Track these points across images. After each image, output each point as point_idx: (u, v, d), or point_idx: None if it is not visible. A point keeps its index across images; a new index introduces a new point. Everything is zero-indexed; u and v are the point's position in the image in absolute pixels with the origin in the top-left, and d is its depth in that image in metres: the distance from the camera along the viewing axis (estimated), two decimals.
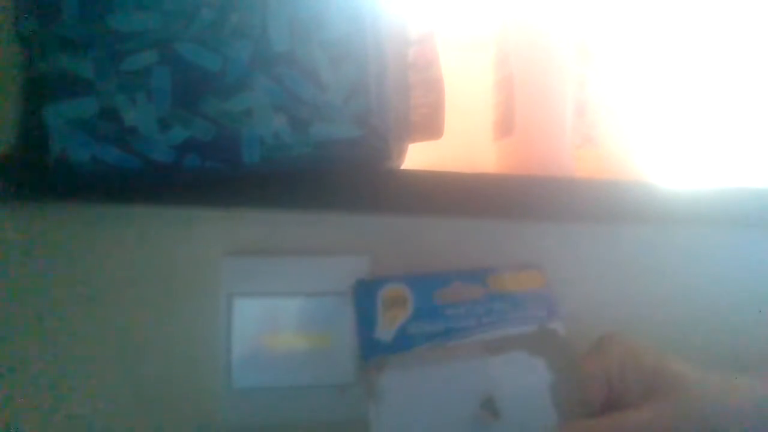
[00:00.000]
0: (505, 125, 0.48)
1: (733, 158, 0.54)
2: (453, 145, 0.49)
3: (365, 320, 0.37)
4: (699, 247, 0.48)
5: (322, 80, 0.37)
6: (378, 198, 0.41)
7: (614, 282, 0.47)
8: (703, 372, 0.34)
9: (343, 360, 0.42)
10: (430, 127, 0.45)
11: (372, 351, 0.37)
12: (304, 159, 0.37)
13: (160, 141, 0.36)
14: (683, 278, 0.48)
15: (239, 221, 0.43)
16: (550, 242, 0.46)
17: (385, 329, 0.37)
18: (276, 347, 0.42)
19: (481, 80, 0.51)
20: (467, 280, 0.40)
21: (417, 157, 0.47)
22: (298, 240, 0.43)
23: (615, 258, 0.47)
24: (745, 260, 0.48)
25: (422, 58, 0.46)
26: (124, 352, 0.42)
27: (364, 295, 0.38)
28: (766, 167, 0.55)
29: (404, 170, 0.42)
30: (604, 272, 0.47)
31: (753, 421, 0.32)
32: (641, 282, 0.47)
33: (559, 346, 0.38)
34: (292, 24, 0.36)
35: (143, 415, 0.42)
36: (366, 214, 0.44)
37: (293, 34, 0.36)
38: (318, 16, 0.37)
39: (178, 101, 0.35)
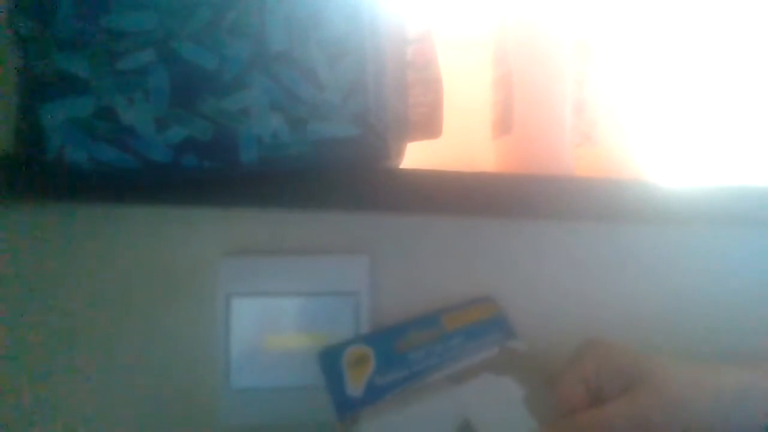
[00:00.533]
0: (504, 124, 0.47)
1: (733, 156, 0.54)
2: (452, 143, 0.49)
3: (334, 383, 0.39)
4: (699, 245, 0.48)
5: (321, 79, 0.37)
6: (377, 197, 0.41)
7: (614, 280, 0.47)
8: (677, 362, 0.35)
9: None
10: (429, 126, 0.45)
11: (346, 409, 0.38)
12: (302, 158, 0.37)
13: (158, 140, 0.35)
14: (683, 277, 0.48)
15: (237, 221, 0.43)
16: (549, 241, 0.46)
17: (354, 386, 0.39)
18: (275, 347, 0.42)
19: (479, 79, 0.50)
20: (422, 327, 0.42)
21: (415, 156, 0.47)
22: (296, 239, 0.43)
23: (614, 256, 0.47)
24: (746, 259, 0.48)
25: (420, 57, 0.45)
26: (122, 352, 0.42)
27: (329, 361, 0.40)
28: (766, 165, 0.54)
29: (403, 169, 0.42)
30: (604, 271, 0.47)
31: (724, 406, 0.33)
32: (641, 280, 0.47)
33: (523, 360, 0.41)
34: (290, 23, 0.36)
35: (142, 415, 0.42)
36: (365, 214, 0.44)
37: (291, 32, 0.36)
38: (316, 14, 0.36)
39: (175, 100, 0.35)
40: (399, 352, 0.41)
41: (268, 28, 0.36)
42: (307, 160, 0.37)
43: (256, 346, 0.41)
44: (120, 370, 0.41)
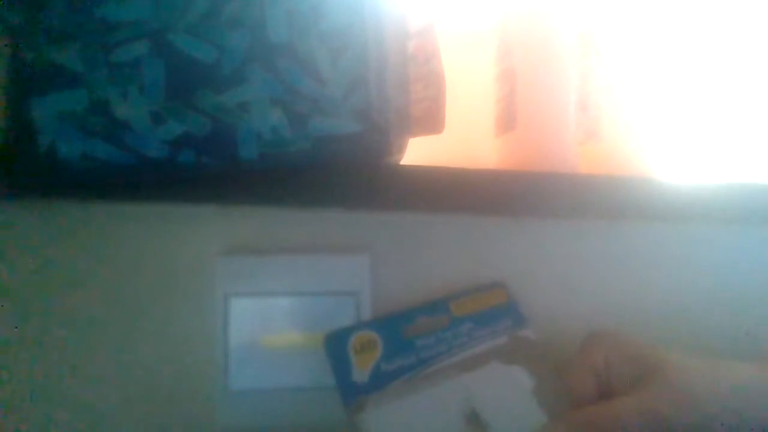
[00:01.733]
0: (507, 120, 0.47)
1: (739, 154, 0.54)
2: (454, 140, 0.48)
3: (340, 368, 0.39)
4: (704, 243, 0.48)
5: (322, 74, 0.36)
6: (378, 194, 0.41)
7: (618, 279, 0.47)
8: (687, 356, 0.35)
9: None
10: (431, 122, 0.44)
11: (351, 395, 0.38)
12: (302, 154, 0.36)
13: (153, 136, 0.34)
14: (688, 275, 0.47)
15: (236, 219, 0.42)
16: (553, 239, 0.46)
17: (361, 372, 0.39)
18: (273, 348, 0.41)
19: (482, 74, 0.50)
20: (431, 313, 0.42)
21: (417, 152, 0.47)
22: (296, 238, 0.43)
23: (619, 254, 0.47)
24: (751, 256, 0.48)
25: (422, 52, 0.45)
26: (118, 353, 0.41)
27: (335, 346, 0.40)
28: None
29: (405, 166, 0.42)
30: (608, 269, 0.46)
31: (736, 401, 0.33)
32: (645, 278, 0.47)
33: (534, 350, 0.40)
34: (291, 15, 0.35)
35: (139, 416, 0.41)
36: (366, 211, 0.43)
37: (292, 25, 0.35)
38: (317, 7, 0.36)
39: (171, 94, 0.34)
40: (406, 338, 0.40)
41: (267, 20, 0.35)
42: (307, 156, 0.36)
43: (255, 347, 0.41)
44: (115, 370, 0.41)
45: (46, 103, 0.34)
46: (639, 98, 0.49)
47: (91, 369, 0.41)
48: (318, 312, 0.42)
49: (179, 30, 0.34)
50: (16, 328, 0.40)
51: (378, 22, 0.38)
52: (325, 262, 0.42)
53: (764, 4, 0.53)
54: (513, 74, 0.46)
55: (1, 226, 0.40)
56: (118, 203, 0.40)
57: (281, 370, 0.41)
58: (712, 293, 0.48)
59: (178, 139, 0.35)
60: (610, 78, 0.49)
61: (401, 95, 0.41)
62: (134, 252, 0.41)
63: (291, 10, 0.35)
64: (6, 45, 0.34)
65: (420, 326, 0.41)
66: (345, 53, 0.36)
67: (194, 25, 0.34)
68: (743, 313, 0.48)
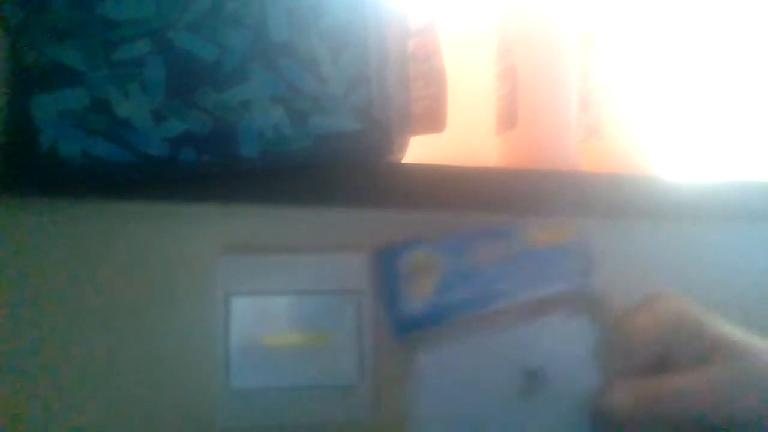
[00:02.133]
0: (508, 118, 0.47)
1: (742, 151, 0.54)
2: (455, 138, 0.48)
3: (390, 294, 0.33)
4: (705, 241, 0.48)
5: (322, 72, 0.36)
6: (379, 192, 0.40)
7: (618, 277, 0.46)
8: (757, 337, 0.32)
9: (343, 360, 0.41)
10: (432, 120, 0.44)
11: (403, 327, 0.33)
12: (304, 153, 0.36)
13: (155, 134, 0.34)
14: (689, 274, 0.47)
15: (237, 217, 0.42)
16: None
17: (413, 301, 0.33)
18: (275, 347, 0.41)
19: (483, 72, 0.50)
20: (497, 237, 0.36)
21: (419, 151, 0.46)
22: (297, 236, 0.43)
23: (620, 253, 0.46)
24: (754, 255, 0.48)
25: (423, 50, 0.45)
26: (119, 351, 0.41)
27: (386, 265, 0.34)
28: None
29: (406, 164, 0.42)
30: (609, 268, 0.46)
31: None
32: (646, 277, 0.47)
33: (601, 303, 0.36)
34: (291, 13, 0.35)
35: (140, 414, 0.41)
36: (367, 209, 0.43)
37: (292, 23, 0.35)
38: (317, 5, 0.36)
39: (172, 92, 0.34)
40: (468, 265, 0.35)
41: (268, 18, 0.35)
42: (308, 154, 0.36)
43: (256, 346, 0.41)
44: (117, 369, 0.41)
45: (47, 102, 0.34)
46: (640, 96, 0.49)
47: (93, 368, 0.41)
48: (319, 311, 0.41)
49: (180, 28, 0.34)
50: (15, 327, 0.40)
51: (379, 20, 0.38)
52: (326, 261, 0.42)
53: (764, 4, 0.53)
54: (514, 72, 0.46)
55: (1, 225, 0.40)
56: (119, 202, 0.40)
57: (282, 368, 0.41)
58: (713, 291, 0.47)
59: (179, 137, 0.35)
60: (611, 76, 0.49)
61: (402, 93, 0.41)
62: (135, 251, 0.41)
63: (292, 9, 0.35)
64: (7, 43, 0.34)
65: (484, 251, 0.35)
66: (346, 51, 0.36)
67: (195, 24, 0.34)
68: (744, 312, 0.48)
